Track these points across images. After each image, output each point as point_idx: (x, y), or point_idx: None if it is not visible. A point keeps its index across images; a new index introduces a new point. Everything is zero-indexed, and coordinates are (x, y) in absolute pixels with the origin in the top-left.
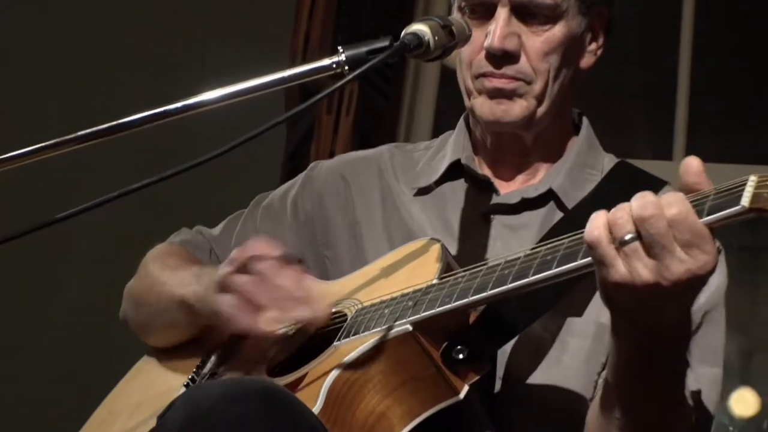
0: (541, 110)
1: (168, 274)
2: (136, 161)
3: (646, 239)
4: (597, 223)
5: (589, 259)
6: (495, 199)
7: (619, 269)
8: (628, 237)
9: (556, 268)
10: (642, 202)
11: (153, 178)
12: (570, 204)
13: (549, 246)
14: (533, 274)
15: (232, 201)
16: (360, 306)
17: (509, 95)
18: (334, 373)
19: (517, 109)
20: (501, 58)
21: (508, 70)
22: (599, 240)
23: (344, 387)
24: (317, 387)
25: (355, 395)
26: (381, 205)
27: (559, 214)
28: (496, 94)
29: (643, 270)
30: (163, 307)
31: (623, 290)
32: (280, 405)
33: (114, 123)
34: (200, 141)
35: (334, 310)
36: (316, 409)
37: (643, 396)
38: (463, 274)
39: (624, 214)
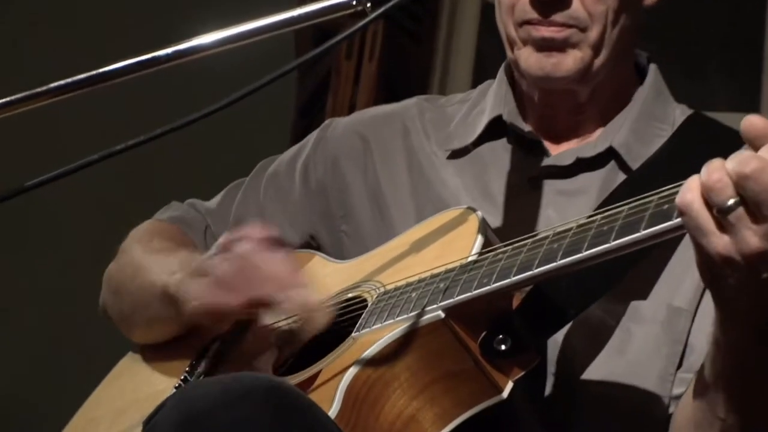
0: (598, 61)
1: (150, 260)
2: (119, 119)
3: (752, 200)
4: (691, 185)
5: (653, 230)
6: (545, 161)
7: (723, 240)
8: (730, 203)
9: (614, 240)
10: (740, 158)
11: (139, 138)
12: (634, 163)
13: (606, 215)
14: (587, 249)
15: (233, 167)
16: (382, 290)
17: (560, 46)
18: (352, 370)
19: (569, 61)
20: (548, 3)
21: (558, 16)
22: (692, 205)
23: (365, 386)
24: (333, 386)
25: (378, 396)
26: (407, 170)
27: (622, 176)
28: (544, 45)
29: (753, 238)
30: (144, 298)
31: (730, 265)
32: (289, 406)
33: (93, 73)
34: (195, 94)
35: (351, 295)
36: (332, 412)
37: (759, 392)
38: (504, 249)
39: (721, 175)
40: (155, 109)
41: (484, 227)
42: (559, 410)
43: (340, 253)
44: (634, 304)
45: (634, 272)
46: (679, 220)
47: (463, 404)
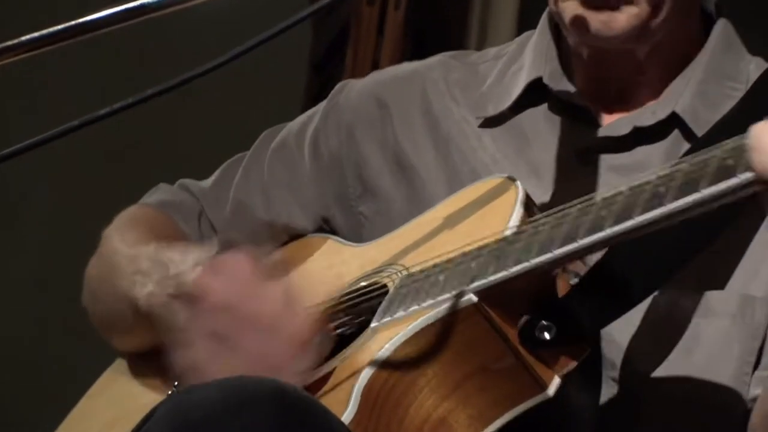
0: (657, 18)
1: (122, 259)
2: (103, 78)
3: None
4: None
5: (717, 188)
6: (596, 132)
7: None
8: None
9: (671, 202)
10: None
11: (126, 101)
12: (701, 130)
13: (663, 175)
14: (641, 213)
15: (237, 135)
16: (405, 273)
17: (613, 3)
18: (370, 368)
19: (622, 19)
20: None
21: None
22: None
23: (385, 386)
24: (348, 387)
25: (401, 397)
26: (432, 142)
27: (687, 147)
28: (593, 0)
29: None
30: (117, 308)
31: None
32: (299, 414)
33: (73, 23)
34: (191, 48)
35: (370, 281)
36: (346, 416)
37: None
38: (545, 220)
39: None
40: (144, 66)
41: (525, 198)
42: (619, 416)
43: (359, 238)
44: (705, 296)
45: (706, 258)
46: (747, 175)
47: (502, 404)
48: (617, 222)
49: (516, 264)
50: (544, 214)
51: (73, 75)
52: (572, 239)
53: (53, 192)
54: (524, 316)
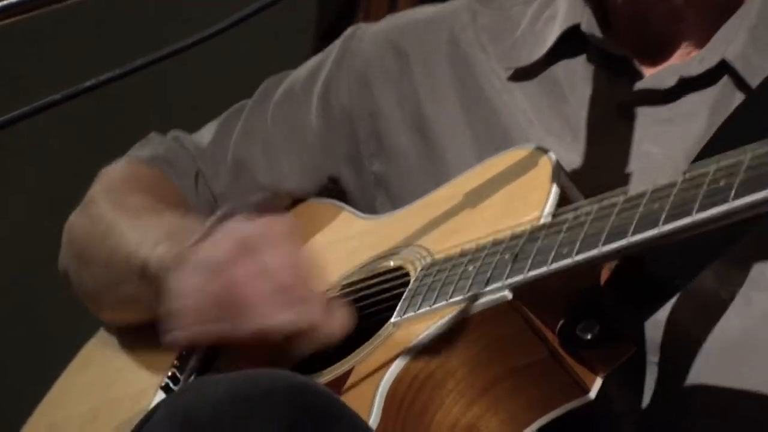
0: None
1: (127, 223)
2: (88, 46)
3: None
4: None
5: None
6: (638, 84)
7: None
8: None
9: (736, 199)
10: None
11: (114, 72)
12: (755, 79)
13: (724, 165)
14: (699, 210)
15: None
16: (429, 260)
17: None
18: (394, 369)
19: None
20: None
21: None
22: None
23: (410, 390)
24: (369, 391)
25: (427, 401)
26: (458, 95)
27: (740, 97)
28: None
29: None
30: (118, 273)
31: None
32: (320, 415)
33: None
34: (186, 15)
35: (387, 265)
36: (370, 422)
37: None
38: (588, 208)
39: None
40: (133, 34)
41: (559, 174)
42: (667, 409)
43: (371, 203)
44: (758, 268)
45: (758, 228)
46: None
47: (538, 407)
48: (672, 219)
49: (557, 259)
50: (588, 201)
51: (56, 41)
52: (621, 235)
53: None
54: (564, 314)
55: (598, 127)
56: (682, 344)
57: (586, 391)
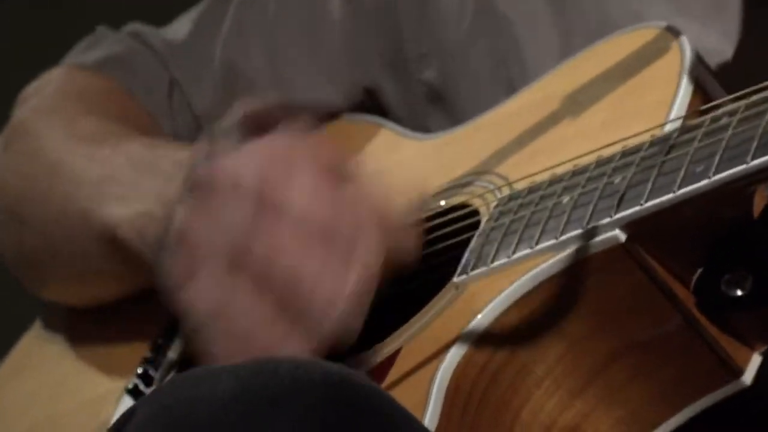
0: None
1: (81, 160)
2: None
3: None
4: None
5: None
6: None
7: None
8: None
9: None
10: None
11: None
12: None
13: None
14: None
15: None
16: (506, 191)
17: None
18: (458, 349)
19: None
20: None
21: None
22: None
23: (481, 378)
24: (424, 380)
25: (506, 395)
26: None
27: None
28: None
29: None
30: (73, 239)
31: None
32: (362, 415)
33: None
34: None
35: (449, 201)
36: (425, 423)
37: None
38: (732, 107)
39: None
40: None
41: (694, 64)
42: None
43: (422, 122)
44: None
45: None
46: None
47: (668, 399)
48: None
49: (689, 182)
50: (730, 97)
51: None
52: None
53: None
54: (701, 261)
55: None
56: None
57: (738, 373)
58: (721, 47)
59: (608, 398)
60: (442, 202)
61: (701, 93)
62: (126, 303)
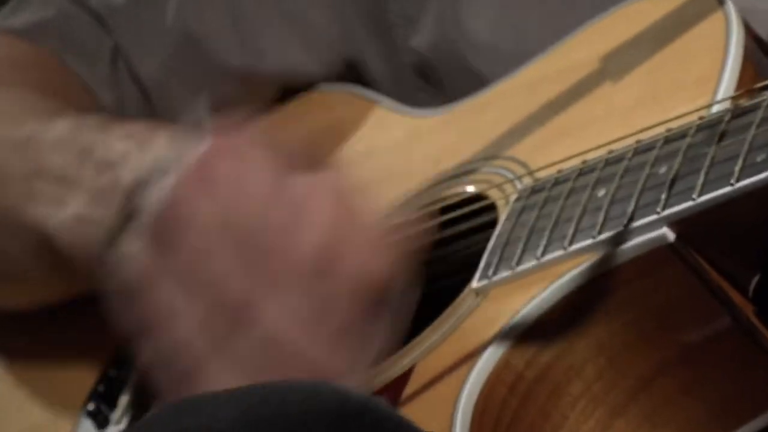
0: None
1: (5, 153)
2: None
3: None
4: None
5: None
6: None
7: None
8: None
9: None
10: None
11: None
12: None
13: None
14: None
15: None
16: (528, 181)
17: None
18: (483, 366)
19: None
20: None
21: None
22: None
23: (511, 399)
24: (446, 402)
25: (539, 416)
26: None
27: None
28: None
29: None
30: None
31: None
32: None
33: None
34: None
35: (468, 191)
36: None
37: None
38: None
39: None
40: None
41: (743, 33)
42: None
43: (410, 96)
44: None
45: None
46: None
47: (723, 418)
48: None
49: (747, 173)
50: None
51: None
52: None
53: None
54: (760, 264)
55: None
56: None
57: None
58: None
59: (653, 417)
60: (450, 194)
61: (751, 67)
62: (62, 311)
